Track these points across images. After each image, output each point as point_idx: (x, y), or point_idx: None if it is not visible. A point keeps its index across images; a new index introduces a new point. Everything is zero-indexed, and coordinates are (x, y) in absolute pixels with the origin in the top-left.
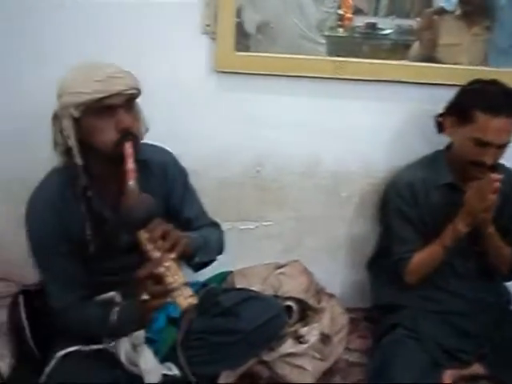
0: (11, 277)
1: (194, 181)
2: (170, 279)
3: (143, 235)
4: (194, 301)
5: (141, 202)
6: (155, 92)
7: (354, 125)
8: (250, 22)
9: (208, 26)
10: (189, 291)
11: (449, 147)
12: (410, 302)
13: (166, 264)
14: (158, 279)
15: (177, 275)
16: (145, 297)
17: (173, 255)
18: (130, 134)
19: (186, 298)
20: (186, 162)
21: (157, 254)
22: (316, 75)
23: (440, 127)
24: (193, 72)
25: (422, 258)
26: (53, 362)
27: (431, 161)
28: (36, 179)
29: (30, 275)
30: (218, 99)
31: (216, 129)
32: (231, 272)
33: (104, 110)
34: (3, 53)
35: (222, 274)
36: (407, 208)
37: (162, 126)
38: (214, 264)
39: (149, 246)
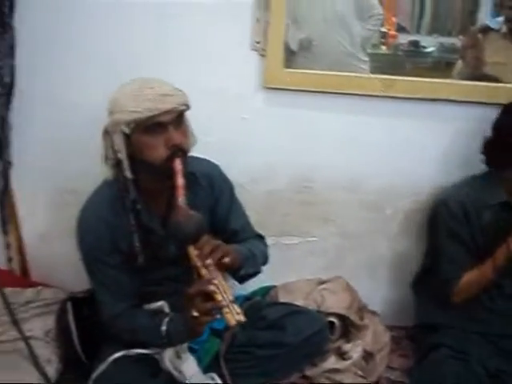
0: (59, 284)
1: (240, 194)
2: (219, 296)
3: (192, 251)
4: (242, 318)
5: (190, 219)
6: (204, 106)
7: (399, 142)
8: (293, 39)
9: (258, 42)
10: (237, 308)
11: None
12: (454, 322)
13: (215, 282)
14: (207, 296)
15: (225, 292)
16: (195, 313)
17: (221, 271)
18: (180, 151)
19: (234, 316)
20: (233, 175)
21: (206, 271)
22: (364, 93)
23: (487, 161)
24: (242, 87)
25: (472, 278)
26: (100, 368)
27: (482, 179)
28: (86, 189)
29: (77, 283)
30: (266, 115)
31: (264, 143)
32: (274, 286)
33: (154, 127)
34: (55, 64)
35: (265, 288)
36: (459, 227)
37: (211, 139)
38: (257, 278)
39: (198, 263)
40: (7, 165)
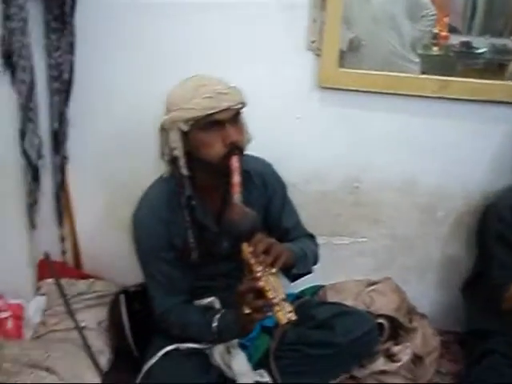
0: (110, 277)
1: (292, 194)
2: (270, 294)
3: (246, 248)
4: (293, 317)
5: (245, 217)
6: (259, 104)
7: (453, 144)
8: (342, 38)
9: (313, 42)
10: (289, 307)
11: None
12: (506, 328)
13: (268, 279)
14: (259, 293)
15: (277, 290)
16: (246, 310)
17: (274, 270)
18: (237, 148)
19: (285, 314)
20: (285, 174)
21: (259, 269)
22: (416, 93)
23: None
24: (297, 87)
25: None
26: (151, 360)
27: None
28: (139, 184)
29: (128, 277)
30: (320, 114)
31: (317, 143)
32: (323, 286)
33: (212, 124)
34: (113, 61)
35: (313, 287)
36: (509, 231)
37: (264, 138)
38: (307, 277)
39: (252, 260)
40: (64, 159)
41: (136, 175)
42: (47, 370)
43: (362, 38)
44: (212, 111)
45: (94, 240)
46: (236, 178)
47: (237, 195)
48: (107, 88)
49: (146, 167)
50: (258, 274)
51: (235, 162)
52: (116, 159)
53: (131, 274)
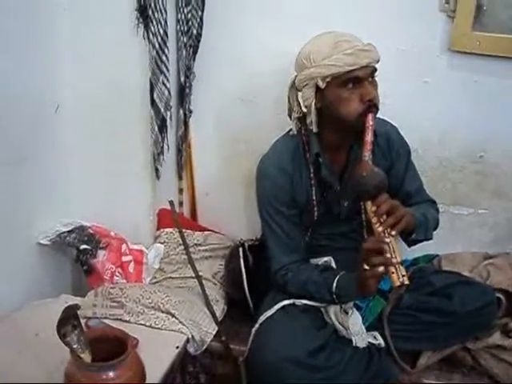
0: (223, 231)
1: (412, 159)
2: (388, 255)
3: (370, 207)
4: (406, 281)
5: (374, 174)
6: (386, 66)
7: None
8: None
9: (447, 3)
10: (403, 271)
11: None
12: None
13: (387, 240)
14: (378, 253)
15: (395, 252)
16: (365, 267)
17: (394, 232)
18: (374, 106)
19: (400, 277)
20: (407, 138)
21: (380, 229)
22: None
23: None
24: (426, 49)
25: None
26: (267, 313)
27: None
28: (259, 140)
29: (242, 231)
30: (448, 79)
31: (443, 108)
32: (437, 255)
33: (351, 81)
34: (240, 17)
35: (428, 256)
36: None
37: (389, 101)
38: (421, 245)
39: (374, 219)
40: (188, 113)
41: (257, 131)
42: (167, 313)
43: (483, 4)
44: (353, 68)
45: (211, 194)
46: (368, 137)
47: (367, 153)
48: (233, 44)
49: (268, 123)
50: (379, 235)
51: (370, 120)
52: (238, 115)
53: (245, 229)
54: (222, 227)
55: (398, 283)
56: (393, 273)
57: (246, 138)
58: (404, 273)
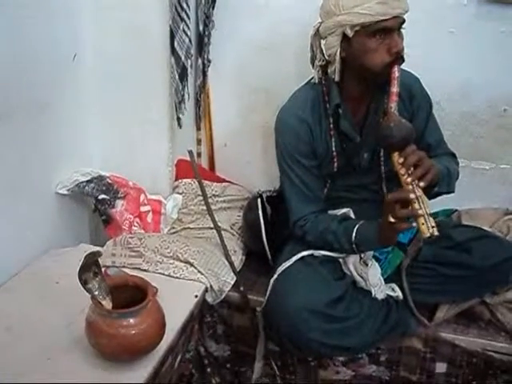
0: (241, 182)
1: (435, 111)
2: (417, 206)
3: (397, 158)
4: (435, 232)
5: (401, 125)
6: (411, 16)
7: None
8: None
9: None
10: (432, 222)
11: None
12: None
13: (416, 191)
14: (406, 204)
15: (424, 204)
16: (391, 219)
17: (422, 183)
18: (401, 58)
19: (429, 228)
20: (430, 90)
21: (409, 180)
22: None
23: None
24: None
25: None
26: (286, 263)
27: None
28: (278, 89)
29: (259, 183)
30: (475, 29)
31: (468, 60)
32: (456, 210)
33: (380, 31)
34: None
35: (447, 210)
36: None
37: (413, 52)
38: (440, 199)
39: (401, 170)
40: (207, 62)
41: (277, 81)
42: (186, 262)
43: None
44: (384, 17)
45: (230, 145)
46: (394, 88)
47: (393, 104)
48: None
49: (288, 73)
50: (409, 186)
51: (396, 72)
52: (257, 64)
53: (263, 180)
54: (240, 178)
55: (428, 234)
56: (423, 224)
57: (266, 87)
58: (434, 224)
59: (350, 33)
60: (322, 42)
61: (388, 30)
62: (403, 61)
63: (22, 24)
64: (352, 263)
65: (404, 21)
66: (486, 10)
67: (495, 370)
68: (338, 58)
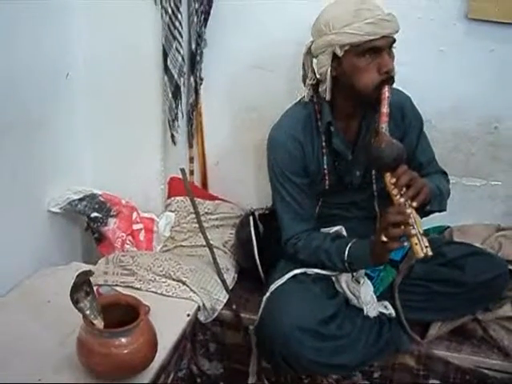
0: (234, 201)
1: (425, 129)
2: (410, 226)
3: (389, 179)
4: (429, 252)
5: (392, 146)
6: (401, 35)
7: None
8: None
9: None
10: (426, 241)
11: None
12: None
13: (408, 211)
14: (397, 224)
15: (417, 224)
16: (384, 238)
17: (415, 203)
18: (391, 78)
19: (423, 248)
20: (420, 108)
21: (401, 200)
22: None
23: None
24: (443, 17)
25: None
26: (279, 281)
27: None
28: (269, 107)
29: (251, 200)
30: (465, 47)
31: (458, 78)
32: (449, 227)
33: (370, 51)
34: None
35: (439, 227)
36: None
37: (403, 70)
38: (432, 216)
39: (394, 191)
40: (199, 80)
41: (269, 99)
42: (178, 280)
43: None
44: (374, 37)
45: (222, 162)
46: (384, 108)
47: (384, 124)
48: (246, 11)
49: (280, 91)
50: (400, 206)
51: (387, 92)
52: (249, 82)
53: (255, 198)
54: (233, 196)
55: (421, 254)
56: (416, 244)
57: (258, 106)
58: (427, 244)
59: (339, 52)
60: (314, 60)
61: (378, 49)
62: (393, 81)
63: (15, 41)
64: (344, 281)
65: (394, 40)
66: (476, 28)
67: None
68: (328, 76)
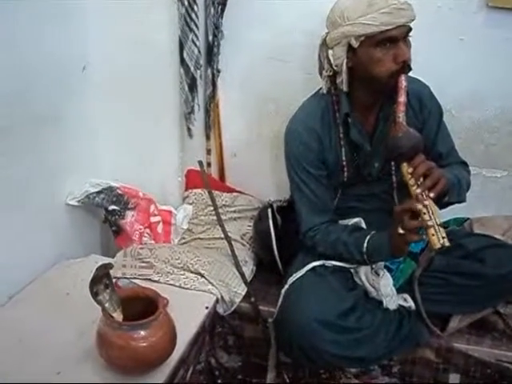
0: (251, 193)
1: (446, 119)
2: (426, 217)
3: (406, 168)
4: (447, 243)
5: (409, 135)
6: (419, 23)
7: None
8: None
9: None
10: (443, 233)
11: None
12: None
13: (425, 202)
14: (416, 215)
15: (434, 214)
16: (400, 231)
17: (432, 194)
18: (408, 67)
19: (440, 239)
20: (440, 98)
21: (418, 190)
22: None
23: None
24: (462, 5)
25: None
26: (297, 274)
27: None
28: (287, 99)
29: (269, 193)
30: (485, 37)
31: (478, 67)
32: (468, 219)
33: (386, 41)
34: None
35: (458, 219)
36: None
37: (421, 59)
38: (451, 207)
39: (411, 181)
40: (216, 72)
41: (286, 91)
42: (197, 273)
43: None
44: (389, 27)
45: (240, 155)
46: (402, 98)
47: (401, 114)
48: (261, 1)
49: (297, 83)
50: (418, 196)
51: (403, 81)
52: (267, 74)
53: (273, 190)
54: (251, 188)
55: (438, 245)
56: (433, 235)
57: (275, 97)
58: (444, 234)
59: (355, 43)
60: (330, 52)
61: (394, 39)
62: (410, 69)
63: (32, 36)
64: (364, 273)
65: (410, 29)
66: (496, 17)
67: (509, 381)
68: (344, 68)
